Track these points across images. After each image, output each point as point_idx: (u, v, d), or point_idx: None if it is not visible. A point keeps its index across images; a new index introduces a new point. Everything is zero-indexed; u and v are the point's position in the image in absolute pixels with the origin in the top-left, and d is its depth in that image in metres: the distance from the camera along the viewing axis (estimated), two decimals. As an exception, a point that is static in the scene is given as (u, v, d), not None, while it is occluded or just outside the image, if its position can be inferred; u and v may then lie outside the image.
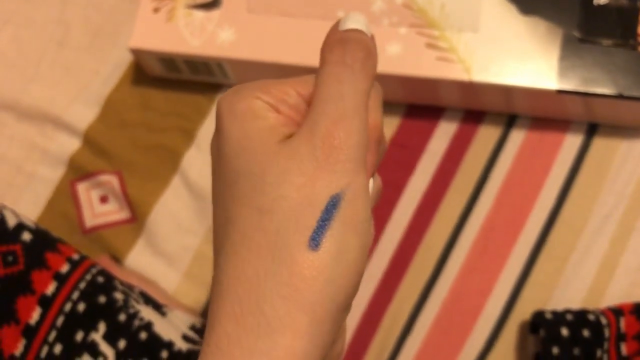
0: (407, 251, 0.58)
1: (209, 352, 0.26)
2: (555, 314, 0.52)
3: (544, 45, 0.55)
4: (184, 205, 0.61)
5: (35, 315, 0.39)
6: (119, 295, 0.41)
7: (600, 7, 0.55)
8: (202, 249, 0.60)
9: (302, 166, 0.27)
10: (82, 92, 0.64)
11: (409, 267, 0.58)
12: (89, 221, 0.61)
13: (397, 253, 0.58)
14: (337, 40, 0.30)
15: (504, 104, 0.58)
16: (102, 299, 0.40)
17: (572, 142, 0.59)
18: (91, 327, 0.39)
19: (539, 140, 0.60)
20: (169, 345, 0.41)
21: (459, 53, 0.55)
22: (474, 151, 0.60)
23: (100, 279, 0.41)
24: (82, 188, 0.62)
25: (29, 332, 0.38)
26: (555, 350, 0.50)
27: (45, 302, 0.39)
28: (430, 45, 0.55)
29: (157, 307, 0.43)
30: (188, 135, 0.62)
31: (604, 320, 0.51)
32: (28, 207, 0.62)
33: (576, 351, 0.50)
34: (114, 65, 0.64)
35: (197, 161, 0.61)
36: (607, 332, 0.51)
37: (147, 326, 0.41)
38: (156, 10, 0.58)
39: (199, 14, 0.58)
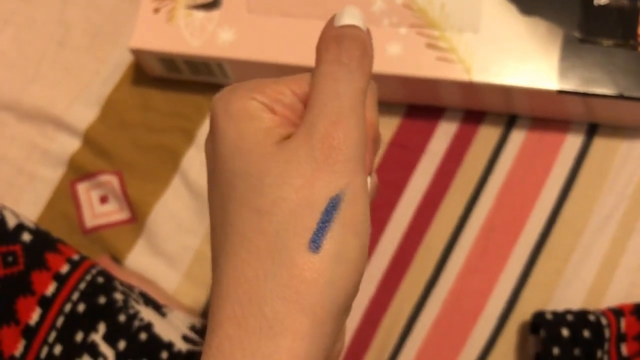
0: (408, 251, 0.58)
1: (211, 354, 0.26)
2: (555, 314, 0.52)
3: (544, 45, 0.55)
4: (184, 206, 0.61)
5: (35, 316, 0.39)
6: (119, 296, 0.41)
7: (600, 7, 0.55)
8: (203, 249, 0.60)
9: (300, 167, 0.27)
10: (82, 92, 0.64)
11: (409, 268, 0.58)
12: (89, 221, 0.61)
13: (397, 253, 0.58)
14: (333, 38, 0.30)
15: (504, 104, 0.58)
16: (102, 300, 0.40)
17: (572, 142, 0.59)
18: (91, 327, 0.39)
19: (539, 141, 0.60)
20: (169, 345, 0.41)
21: (459, 53, 0.55)
22: (474, 151, 0.60)
23: (100, 280, 0.41)
24: (82, 188, 0.62)
25: (29, 333, 0.38)
26: (555, 350, 0.50)
27: (45, 303, 0.39)
28: (430, 46, 0.55)
29: (157, 308, 0.43)
30: (188, 136, 0.62)
31: (604, 321, 0.51)
32: (28, 207, 0.62)
33: (576, 352, 0.50)
34: (114, 66, 0.64)
35: (197, 161, 0.61)
36: (607, 333, 0.51)
37: (147, 327, 0.41)
38: (156, 10, 0.58)
39: (199, 15, 0.58)
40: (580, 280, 0.56)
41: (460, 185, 0.59)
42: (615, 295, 0.56)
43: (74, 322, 0.39)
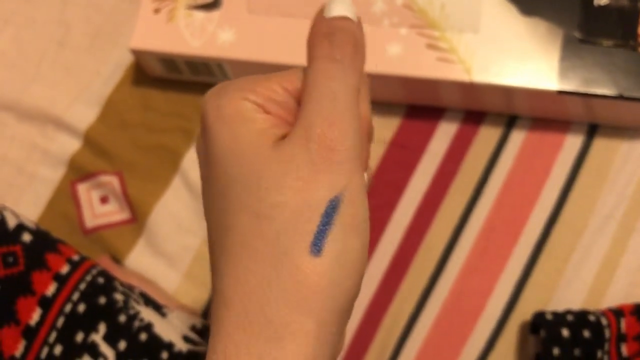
0: (408, 252, 0.58)
1: (216, 359, 0.26)
2: (555, 314, 0.52)
3: (544, 45, 0.55)
4: (184, 206, 0.61)
5: (35, 316, 0.39)
6: (119, 296, 0.41)
7: (600, 7, 0.55)
8: (203, 249, 0.60)
9: (298, 170, 0.27)
10: (82, 92, 0.64)
11: (410, 268, 0.58)
12: (89, 222, 0.61)
13: (397, 253, 0.58)
14: (324, 34, 0.30)
15: (505, 104, 0.58)
16: (102, 300, 0.40)
17: (572, 142, 0.59)
18: (91, 328, 0.39)
19: (540, 141, 0.60)
20: (169, 346, 0.41)
21: (459, 54, 0.55)
22: (474, 152, 0.60)
23: (101, 280, 0.41)
24: (82, 188, 0.62)
25: (29, 333, 0.38)
26: (555, 351, 0.50)
27: (46, 303, 0.39)
28: (430, 46, 0.55)
29: (158, 308, 0.43)
30: (188, 136, 0.62)
31: (604, 321, 0.51)
32: (28, 207, 0.62)
33: (577, 352, 0.50)
34: (114, 66, 0.64)
35: (197, 162, 0.61)
36: (607, 333, 0.51)
37: (148, 327, 0.41)
38: (157, 11, 0.58)
39: (200, 15, 0.58)
40: (580, 281, 0.56)
41: (460, 186, 0.59)
42: (615, 295, 0.56)
43: (75, 322, 0.39)
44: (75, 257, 0.41)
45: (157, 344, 0.40)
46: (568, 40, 0.54)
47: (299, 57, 0.56)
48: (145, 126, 0.63)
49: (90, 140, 0.62)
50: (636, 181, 0.58)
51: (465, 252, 0.58)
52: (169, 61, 0.59)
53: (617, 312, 0.52)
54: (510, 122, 0.60)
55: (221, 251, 0.28)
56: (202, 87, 0.63)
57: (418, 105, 0.61)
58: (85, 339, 0.39)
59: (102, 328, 0.39)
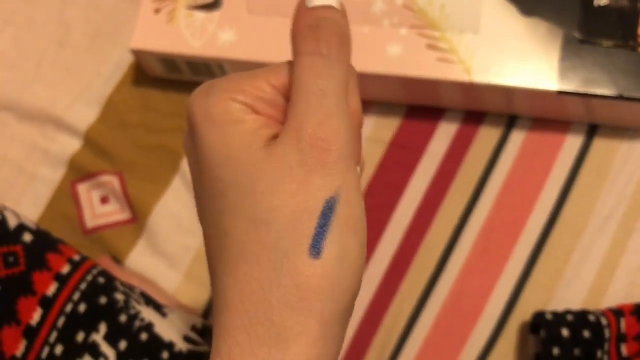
0: (408, 252, 0.58)
1: None
2: (555, 314, 0.52)
3: (544, 46, 0.55)
4: (184, 206, 0.61)
5: (36, 316, 0.39)
6: (119, 296, 0.41)
7: (600, 8, 0.55)
8: (203, 250, 0.60)
9: (292, 173, 0.26)
10: (83, 92, 0.64)
11: (410, 268, 0.58)
12: (90, 222, 0.61)
13: (397, 254, 0.58)
14: (309, 27, 0.29)
15: (505, 105, 0.58)
16: (103, 300, 0.40)
17: (572, 143, 0.59)
18: (92, 328, 0.39)
19: (540, 141, 0.60)
20: (169, 346, 0.41)
21: (459, 54, 0.55)
22: (474, 152, 0.60)
23: (101, 280, 0.41)
24: (83, 189, 0.62)
25: (30, 333, 0.38)
26: (555, 351, 0.50)
27: (46, 303, 0.39)
28: (431, 47, 0.55)
29: (158, 308, 0.43)
30: (189, 136, 0.62)
31: (604, 321, 0.51)
32: (29, 208, 0.62)
33: (577, 352, 0.50)
34: (114, 66, 0.64)
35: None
36: (607, 333, 0.51)
37: (148, 327, 0.41)
38: (157, 11, 0.59)
39: (200, 15, 0.58)
40: (581, 281, 0.56)
41: (460, 186, 0.59)
42: (615, 296, 0.56)
43: (75, 322, 0.39)
44: (76, 257, 0.41)
45: (157, 344, 0.40)
46: (568, 40, 0.54)
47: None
48: (145, 126, 0.63)
49: (90, 141, 0.63)
50: (636, 181, 0.58)
51: (465, 252, 0.58)
52: (169, 61, 0.59)
53: (617, 312, 0.52)
54: (510, 122, 0.60)
55: (219, 256, 0.28)
56: (202, 88, 0.63)
57: (418, 105, 0.61)
58: (86, 339, 0.39)
59: (102, 328, 0.39)
